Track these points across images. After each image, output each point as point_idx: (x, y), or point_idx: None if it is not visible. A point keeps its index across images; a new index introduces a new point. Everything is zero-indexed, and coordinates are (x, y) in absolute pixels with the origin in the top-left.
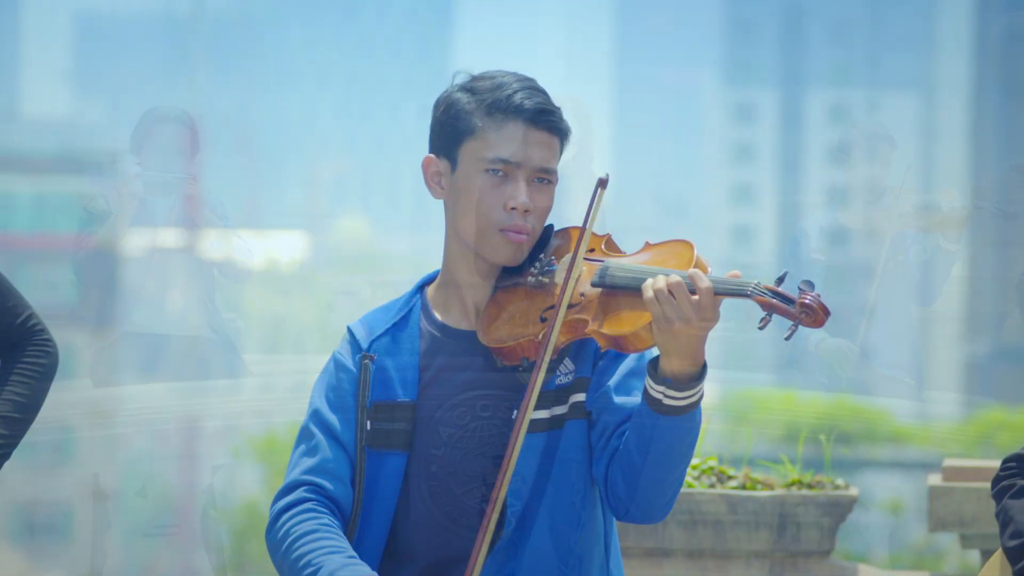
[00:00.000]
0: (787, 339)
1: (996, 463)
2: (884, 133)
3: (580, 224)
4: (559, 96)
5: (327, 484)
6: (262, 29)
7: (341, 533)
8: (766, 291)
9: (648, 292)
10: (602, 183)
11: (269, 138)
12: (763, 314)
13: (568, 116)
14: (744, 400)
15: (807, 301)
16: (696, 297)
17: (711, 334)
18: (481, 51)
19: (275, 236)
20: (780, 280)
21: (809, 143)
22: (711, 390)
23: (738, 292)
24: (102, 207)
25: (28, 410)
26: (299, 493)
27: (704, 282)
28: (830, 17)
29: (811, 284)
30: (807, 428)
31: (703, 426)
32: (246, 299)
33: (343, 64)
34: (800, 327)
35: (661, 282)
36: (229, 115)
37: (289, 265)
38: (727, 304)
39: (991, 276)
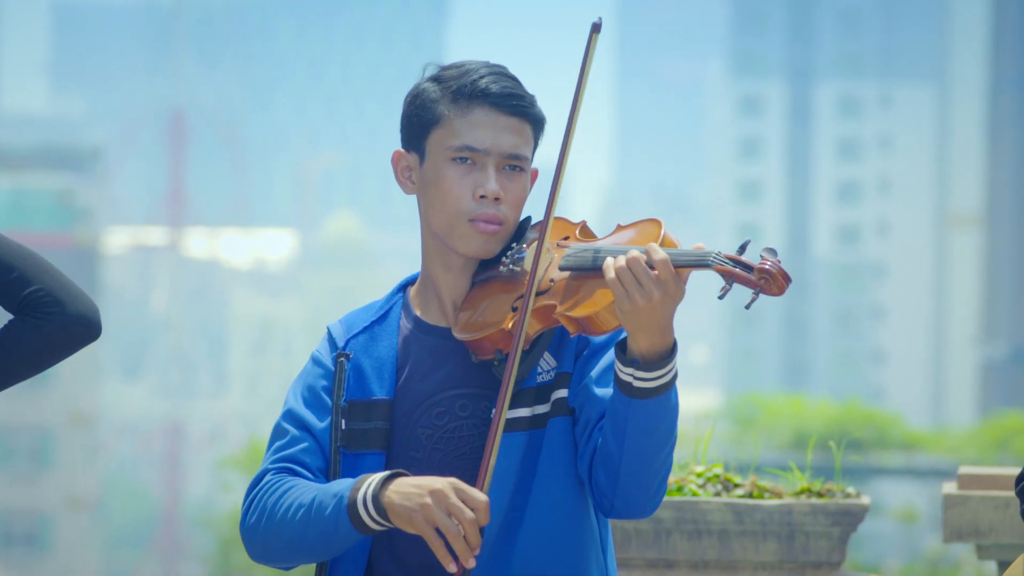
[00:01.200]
0: (747, 307)
1: (1014, 470)
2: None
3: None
4: (558, 90)
5: (299, 470)
6: (250, 20)
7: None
8: (726, 260)
9: (609, 271)
10: (596, 27)
11: (257, 133)
12: (723, 284)
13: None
14: (751, 405)
15: (767, 267)
16: (655, 271)
17: (713, 336)
18: (477, 43)
19: (263, 234)
20: (742, 249)
21: (819, 137)
22: (716, 395)
23: (698, 263)
24: (82, 204)
25: None
26: (266, 478)
27: (659, 254)
28: (840, 7)
29: (773, 251)
30: (816, 434)
31: (708, 432)
32: (233, 300)
33: (334, 56)
34: (761, 295)
35: (621, 260)
36: (215, 109)
37: (277, 264)
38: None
39: (1008, 277)
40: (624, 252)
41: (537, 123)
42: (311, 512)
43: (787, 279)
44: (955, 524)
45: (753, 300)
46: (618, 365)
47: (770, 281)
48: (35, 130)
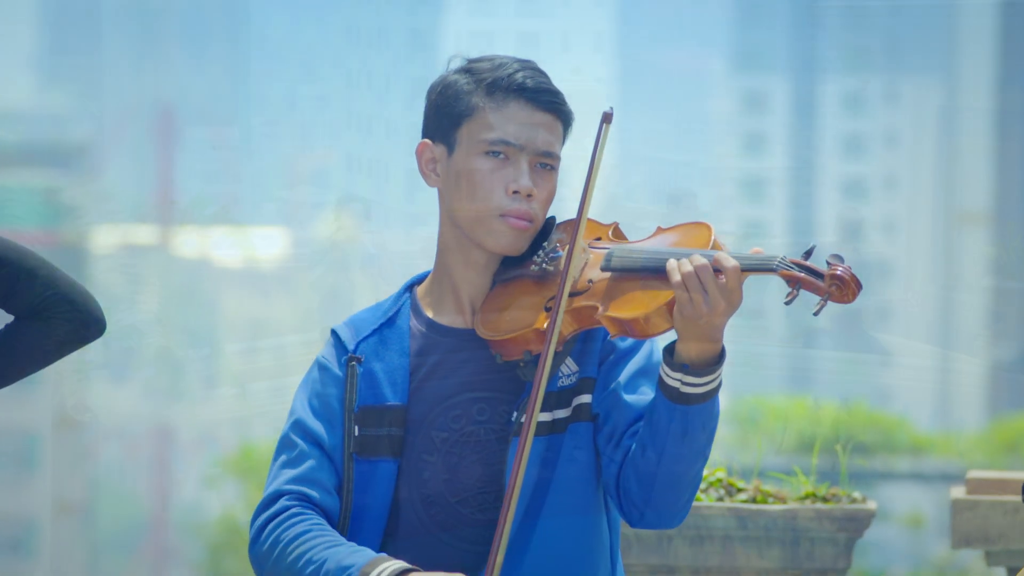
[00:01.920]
0: (816, 315)
1: (1023, 474)
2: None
3: (581, 204)
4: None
5: (312, 493)
6: (241, 13)
7: (335, 531)
8: (793, 265)
9: (675, 275)
10: (607, 117)
11: (248, 129)
12: (789, 290)
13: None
14: (754, 407)
15: (838, 272)
16: (723, 278)
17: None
18: (474, 37)
19: (254, 232)
20: (808, 254)
21: (824, 134)
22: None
23: (763, 267)
24: (68, 201)
25: None
26: (282, 503)
27: (731, 262)
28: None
29: (840, 258)
30: (821, 438)
31: None
32: (223, 300)
33: (327, 51)
34: (829, 302)
35: (687, 265)
36: (205, 105)
37: (269, 263)
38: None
39: (1017, 277)
40: (676, 255)
41: (567, 121)
42: (319, 575)
43: (859, 286)
44: (964, 530)
45: (821, 307)
46: (665, 370)
47: (843, 288)
48: (19, 125)
